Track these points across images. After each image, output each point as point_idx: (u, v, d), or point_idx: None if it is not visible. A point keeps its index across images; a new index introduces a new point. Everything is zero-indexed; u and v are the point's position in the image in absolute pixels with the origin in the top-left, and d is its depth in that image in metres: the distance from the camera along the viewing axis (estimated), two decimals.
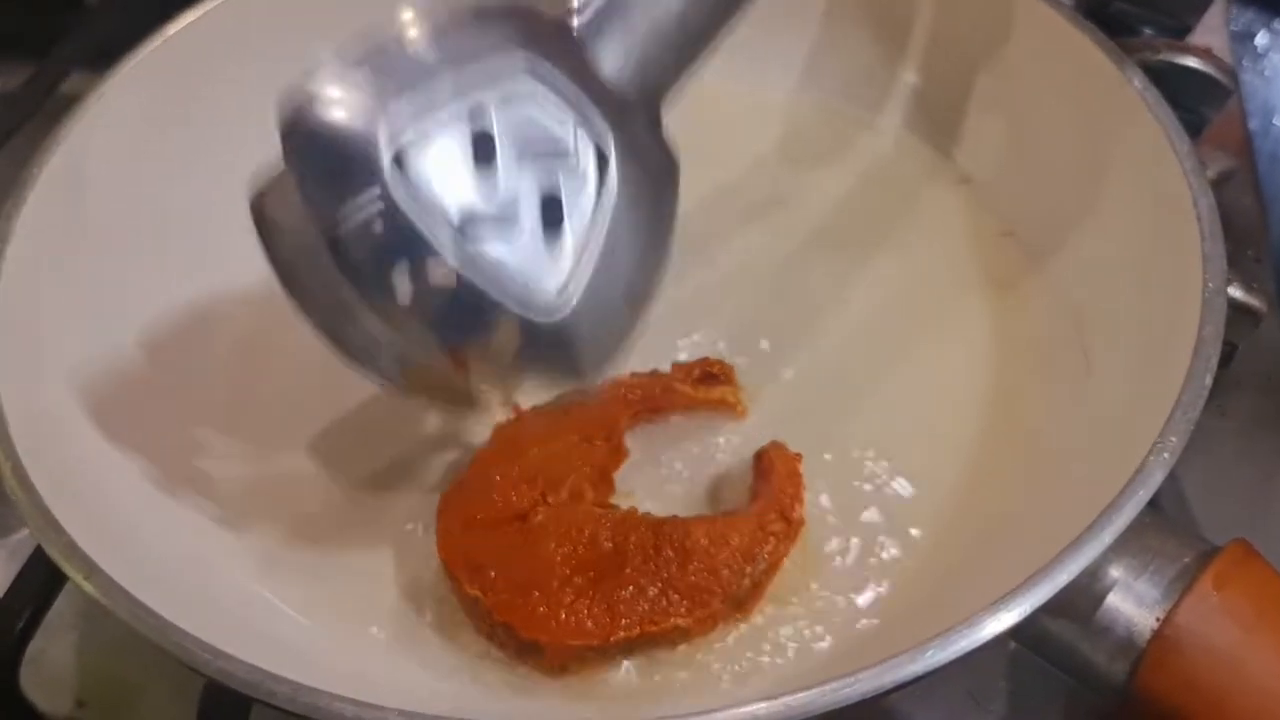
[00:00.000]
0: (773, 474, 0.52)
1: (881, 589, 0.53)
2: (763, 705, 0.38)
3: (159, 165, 0.64)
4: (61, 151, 0.59)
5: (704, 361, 0.60)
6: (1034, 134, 0.66)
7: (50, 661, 0.61)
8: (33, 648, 0.55)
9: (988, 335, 0.62)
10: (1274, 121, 0.81)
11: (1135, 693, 0.44)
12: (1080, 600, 0.45)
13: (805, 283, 0.65)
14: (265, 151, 0.67)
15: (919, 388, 0.60)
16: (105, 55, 0.64)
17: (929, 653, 0.40)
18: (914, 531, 0.54)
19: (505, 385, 0.53)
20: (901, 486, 0.56)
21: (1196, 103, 0.66)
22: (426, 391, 0.50)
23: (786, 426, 0.57)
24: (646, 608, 0.48)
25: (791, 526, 0.51)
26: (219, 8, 0.66)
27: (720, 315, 0.63)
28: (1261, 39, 0.87)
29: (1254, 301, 0.54)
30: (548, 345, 0.43)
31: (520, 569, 0.49)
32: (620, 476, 0.56)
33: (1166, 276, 0.53)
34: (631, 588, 0.48)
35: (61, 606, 0.59)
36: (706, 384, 0.58)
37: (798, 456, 0.53)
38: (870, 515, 0.55)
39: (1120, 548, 0.43)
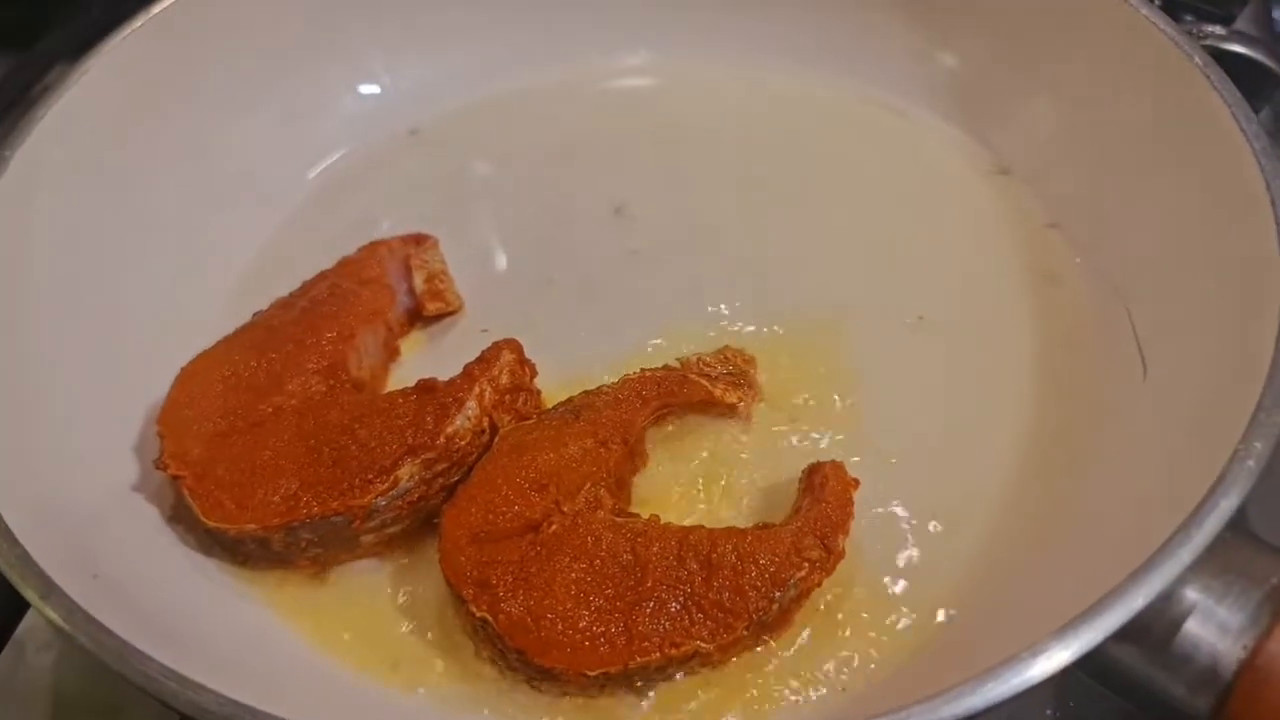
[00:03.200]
0: (824, 494, 0.48)
1: (935, 611, 0.48)
2: None
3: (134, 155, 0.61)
4: (35, 135, 0.55)
5: (725, 352, 0.56)
6: (1083, 119, 0.62)
7: (22, 683, 0.58)
8: (3, 668, 0.52)
9: (1034, 334, 0.58)
10: None
11: None
12: (1155, 626, 0.40)
13: (838, 273, 0.62)
14: (244, 139, 0.66)
15: (962, 393, 0.56)
16: (91, 47, 0.61)
17: (987, 685, 0.36)
18: (963, 546, 0.50)
19: None
20: (947, 496, 0.51)
21: (1245, 92, 0.61)
22: None
23: (813, 430, 0.54)
24: (668, 626, 0.44)
25: (831, 557, 0.46)
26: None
27: (745, 296, 0.60)
28: None
29: None
30: None
31: (533, 588, 0.44)
32: (639, 483, 0.52)
33: (1236, 266, 0.49)
34: (652, 603, 0.44)
35: (35, 626, 0.56)
36: (729, 382, 0.54)
37: (855, 483, 0.49)
38: (911, 528, 0.51)
39: (1198, 567, 0.39)
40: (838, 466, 0.49)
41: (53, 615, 0.39)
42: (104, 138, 0.60)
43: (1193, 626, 0.40)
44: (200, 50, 0.65)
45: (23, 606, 0.51)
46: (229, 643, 0.46)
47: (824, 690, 0.46)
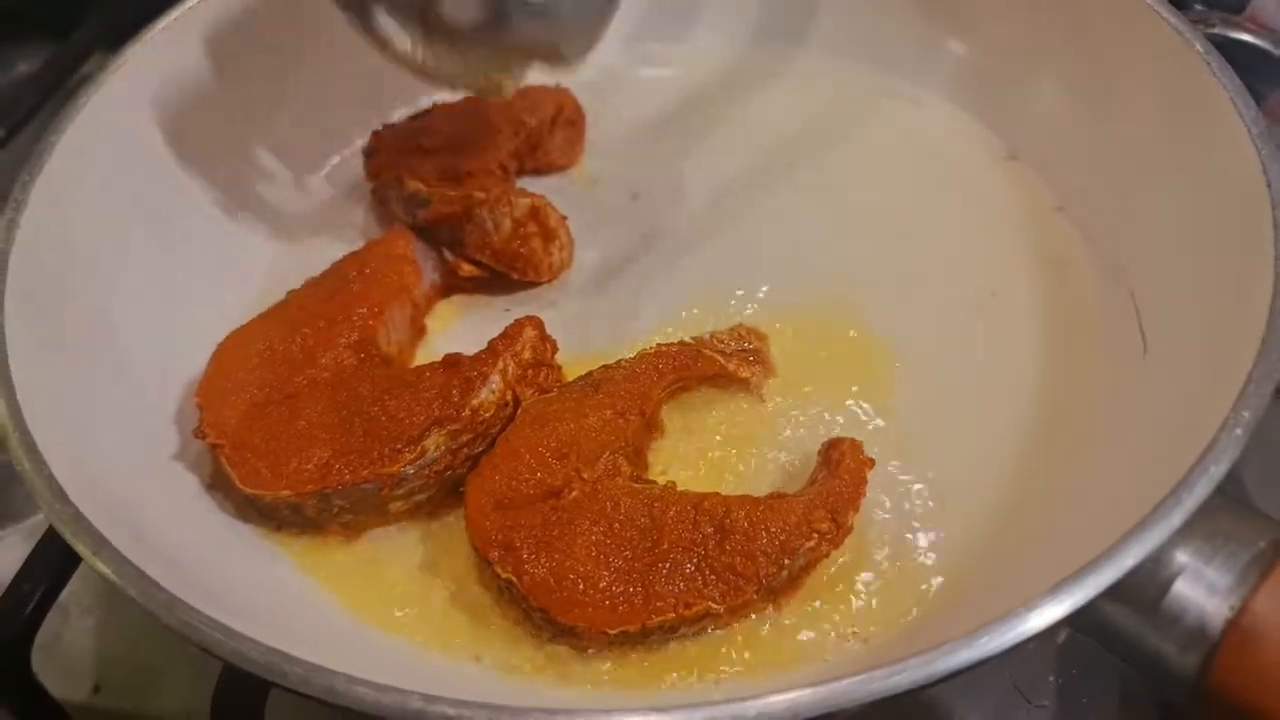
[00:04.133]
0: (839, 470, 0.49)
1: (934, 578, 0.50)
2: (808, 691, 0.36)
3: (174, 140, 0.63)
4: (81, 118, 0.57)
5: (739, 329, 0.58)
6: (1088, 105, 0.63)
7: (66, 646, 0.60)
8: (47, 633, 0.53)
9: (1041, 313, 0.59)
10: None
11: (1209, 688, 0.41)
12: (1146, 586, 0.42)
13: (849, 255, 0.63)
14: (281, 123, 0.69)
15: (969, 369, 0.58)
16: (128, 36, 0.63)
17: (983, 639, 0.38)
18: (967, 515, 0.52)
19: (501, 67, 0.53)
20: (954, 469, 0.53)
21: (1252, 78, 0.62)
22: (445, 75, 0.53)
23: (823, 407, 0.55)
24: (682, 586, 0.46)
25: (840, 531, 0.48)
26: None
27: (759, 278, 0.62)
28: None
29: None
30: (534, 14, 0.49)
31: (555, 550, 0.46)
32: (655, 453, 0.54)
33: (1232, 247, 0.51)
34: (668, 564, 0.46)
35: (79, 591, 0.59)
36: (741, 358, 0.56)
37: (870, 462, 0.50)
38: (919, 499, 0.53)
39: (1188, 531, 0.40)
40: (855, 445, 0.51)
41: (105, 569, 0.41)
42: (146, 123, 0.62)
43: (1182, 587, 0.41)
44: (235, 41, 0.66)
45: (68, 571, 0.52)
46: (265, 600, 0.49)
47: (825, 648, 0.48)
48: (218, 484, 0.54)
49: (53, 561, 0.52)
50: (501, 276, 0.62)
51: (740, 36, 0.76)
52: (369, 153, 0.66)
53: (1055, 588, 0.39)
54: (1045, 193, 0.65)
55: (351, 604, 0.50)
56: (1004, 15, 0.68)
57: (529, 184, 0.67)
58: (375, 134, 0.66)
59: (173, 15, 0.63)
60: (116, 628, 0.61)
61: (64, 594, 0.53)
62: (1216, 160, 0.53)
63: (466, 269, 0.62)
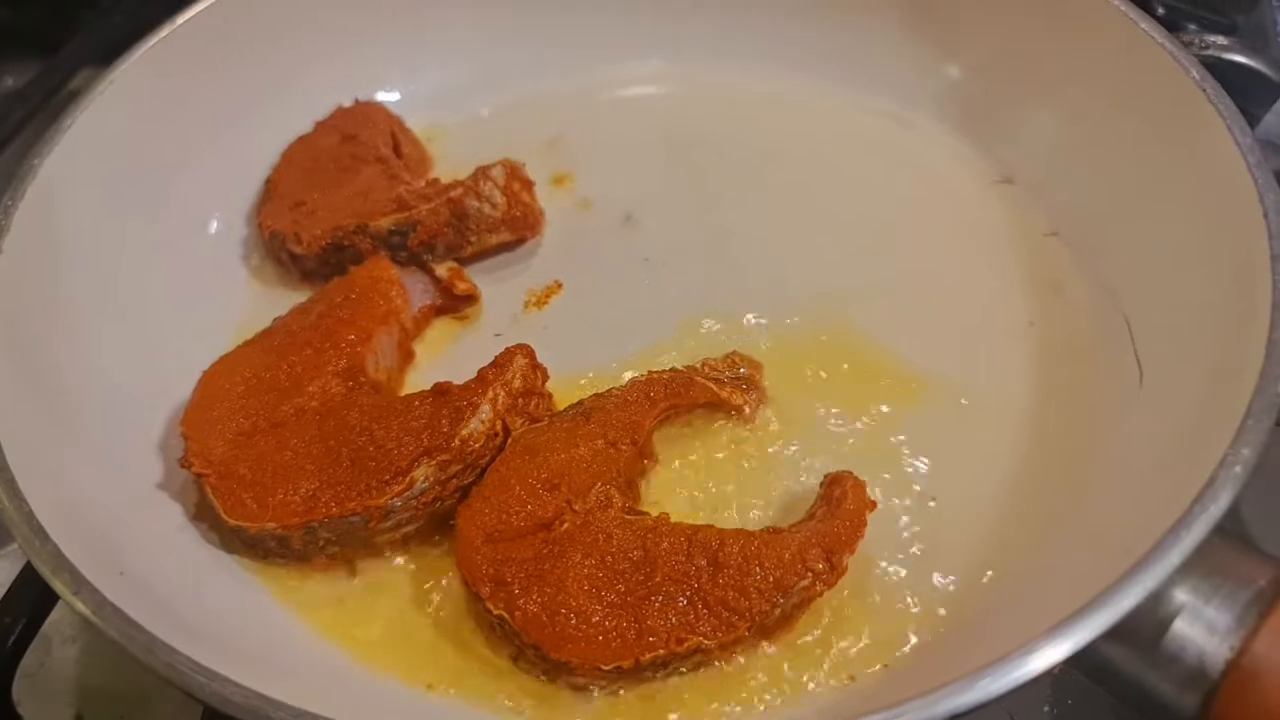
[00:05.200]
0: (840, 507, 0.49)
1: (928, 616, 0.49)
2: None
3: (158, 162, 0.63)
4: (64, 142, 0.57)
5: (732, 356, 0.57)
6: (1084, 130, 0.63)
7: (48, 676, 0.59)
8: (30, 662, 0.53)
9: (1035, 340, 0.59)
10: None
11: None
12: (1145, 626, 0.41)
13: (844, 279, 0.63)
14: (265, 144, 0.68)
15: (964, 395, 0.57)
16: (116, 52, 0.62)
17: (983, 681, 0.37)
18: (963, 551, 0.51)
19: None
20: (950, 503, 0.53)
21: (1246, 101, 0.62)
22: None
23: (819, 435, 0.55)
24: (674, 620, 0.45)
25: (834, 572, 0.47)
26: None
27: (753, 303, 0.62)
28: None
29: None
30: None
31: (547, 584, 0.46)
32: (648, 484, 0.53)
33: (1228, 277, 0.50)
34: (661, 597, 0.45)
35: (61, 620, 0.58)
36: (735, 385, 0.56)
37: (872, 504, 0.50)
38: (913, 535, 0.52)
39: (1187, 569, 0.40)
40: (859, 485, 0.50)
41: (83, 609, 0.41)
42: (130, 144, 0.62)
43: (1181, 626, 0.41)
44: (220, 59, 0.67)
45: (50, 601, 0.52)
46: (251, 638, 0.48)
47: (821, 686, 0.47)
48: (202, 515, 0.53)
49: (35, 593, 0.51)
50: (509, 245, 0.64)
51: (735, 58, 0.75)
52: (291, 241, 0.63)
53: (1055, 629, 0.38)
54: (1039, 217, 0.65)
55: (337, 638, 0.50)
56: (1000, 40, 0.68)
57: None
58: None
59: (154, 39, 0.63)
60: (99, 657, 0.59)
61: (46, 623, 0.52)
62: (1212, 188, 0.53)
63: (462, 286, 0.62)
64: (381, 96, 0.74)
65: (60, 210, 0.56)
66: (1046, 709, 0.55)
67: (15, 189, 0.54)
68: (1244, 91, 0.61)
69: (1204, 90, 0.55)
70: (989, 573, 0.50)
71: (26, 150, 0.57)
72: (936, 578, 0.50)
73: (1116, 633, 0.39)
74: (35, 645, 0.52)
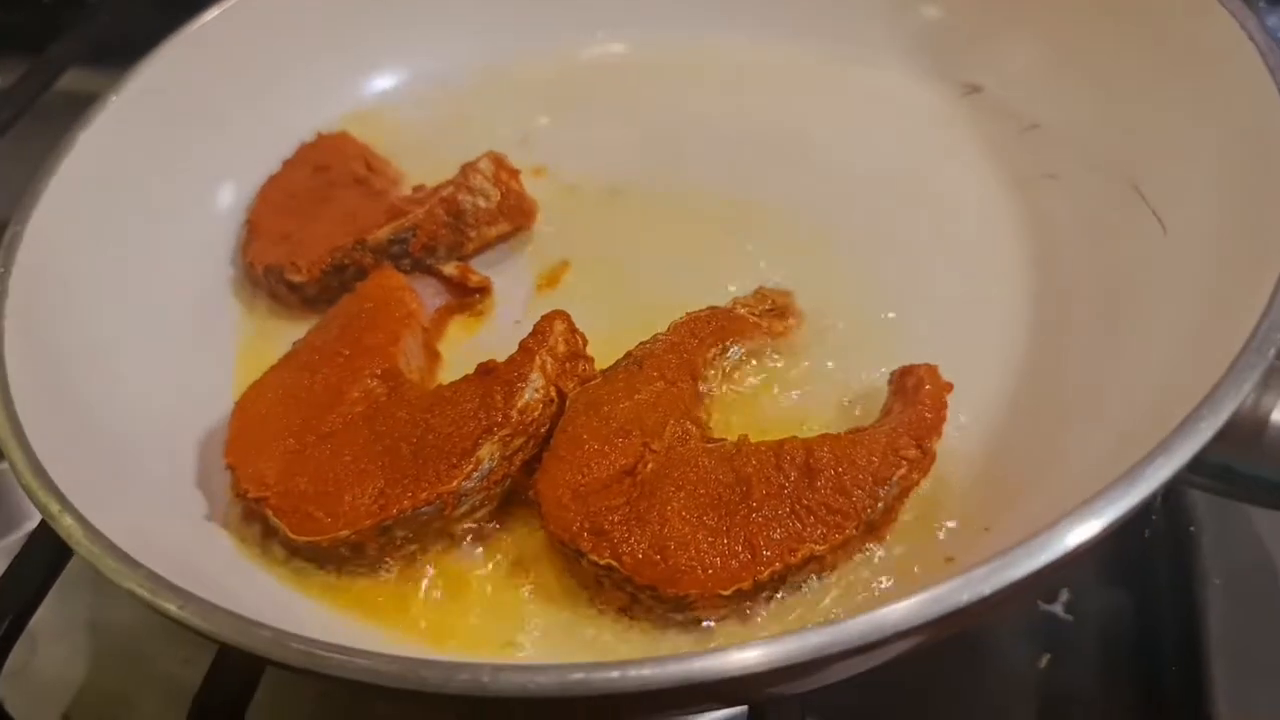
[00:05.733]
0: (919, 396, 0.48)
1: (1004, 484, 0.49)
2: (943, 588, 0.34)
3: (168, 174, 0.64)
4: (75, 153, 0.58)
5: (760, 292, 0.58)
6: (1071, 42, 0.65)
7: (35, 674, 0.58)
8: (17, 660, 0.50)
9: (1047, 226, 0.60)
10: None
11: None
12: (1243, 425, 0.42)
13: (848, 216, 0.64)
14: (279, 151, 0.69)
15: (986, 295, 0.58)
16: (103, 51, 0.64)
17: (1099, 504, 0.36)
18: (1022, 421, 0.51)
19: None
20: (990, 385, 0.53)
21: None
22: None
23: (846, 346, 0.56)
24: (782, 534, 0.44)
25: (927, 458, 0.47)
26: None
27: (758, 255, 0.62)
28: None
29: None
30: None
31: (648, 524, 0.44)
32: (711, 418, 0.53)
33: (1237, 132, 0.52)
34: (764, 514, 0.44)
35: (47, 619, 0.55)
36: (772, 316, 0.56)
37: (949, 386, 0.49)
38: (968, 422, 0.52)
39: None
40: (932, 370, 0.49)
41: (196, 622, 0.39)
42: (142, 157, 0.63)
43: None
44: (219, 70, 0.68)
45: (35, 601, 0.50)
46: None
47: (930, 573, 0.46)
48: (249, 541, 0.51)
49: (20, 590, 0.50)
50: (507, 236, 0.64)
51: (710, 21, 0.77)
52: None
53: (1157, 447, 0.38)
54: (1010, 118, 0.66)
55: (438, 637, 0.48)
56: None
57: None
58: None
59: (161, 49, 0.64)
60: (86, 656, 0.59)
61: (32, 622, 0.51)
62: (1213, 63, 0.54)
63: (474, 279, 0.62)
64: (339, 110, 0.75)
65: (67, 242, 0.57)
66: (1032, 703, 0.58)
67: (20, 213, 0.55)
68: None
69: None
70: (1052, 439, 0.50)
71: (12, 149, 0.58)
72: (1003, 450, 0.50)
73: (1221, 438, 0.39)
74: (20, 644, 0.50)
